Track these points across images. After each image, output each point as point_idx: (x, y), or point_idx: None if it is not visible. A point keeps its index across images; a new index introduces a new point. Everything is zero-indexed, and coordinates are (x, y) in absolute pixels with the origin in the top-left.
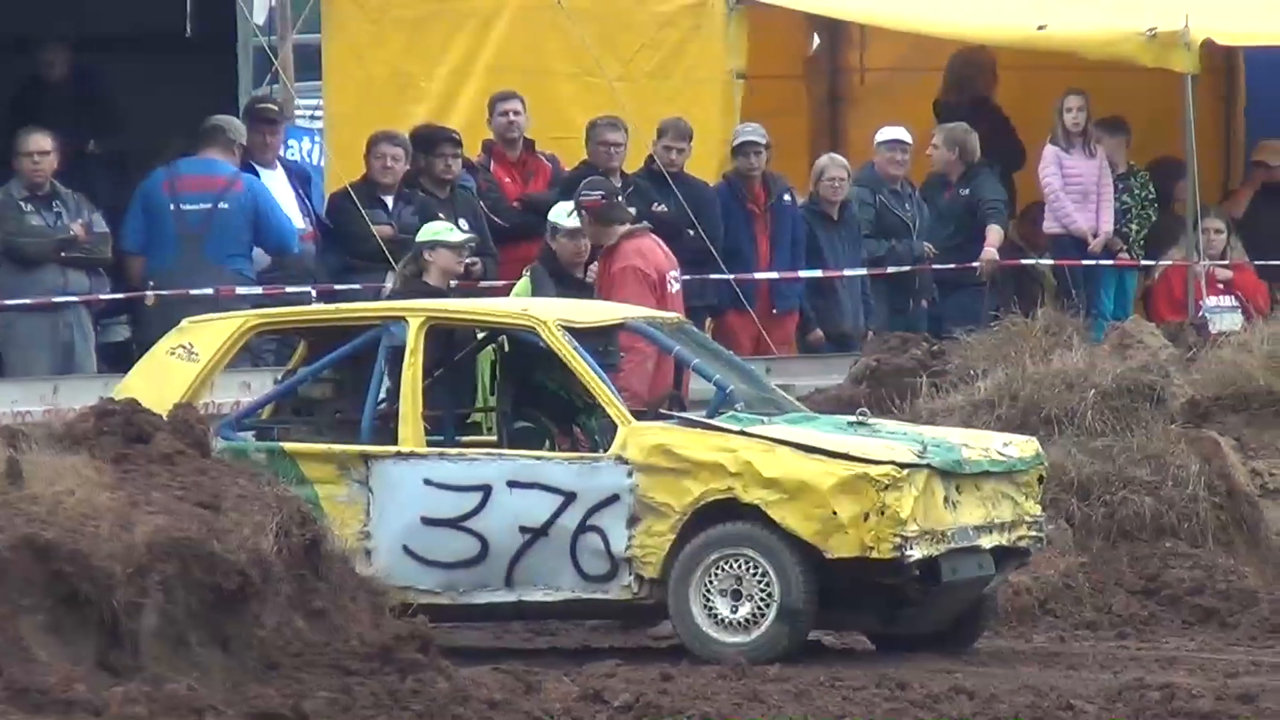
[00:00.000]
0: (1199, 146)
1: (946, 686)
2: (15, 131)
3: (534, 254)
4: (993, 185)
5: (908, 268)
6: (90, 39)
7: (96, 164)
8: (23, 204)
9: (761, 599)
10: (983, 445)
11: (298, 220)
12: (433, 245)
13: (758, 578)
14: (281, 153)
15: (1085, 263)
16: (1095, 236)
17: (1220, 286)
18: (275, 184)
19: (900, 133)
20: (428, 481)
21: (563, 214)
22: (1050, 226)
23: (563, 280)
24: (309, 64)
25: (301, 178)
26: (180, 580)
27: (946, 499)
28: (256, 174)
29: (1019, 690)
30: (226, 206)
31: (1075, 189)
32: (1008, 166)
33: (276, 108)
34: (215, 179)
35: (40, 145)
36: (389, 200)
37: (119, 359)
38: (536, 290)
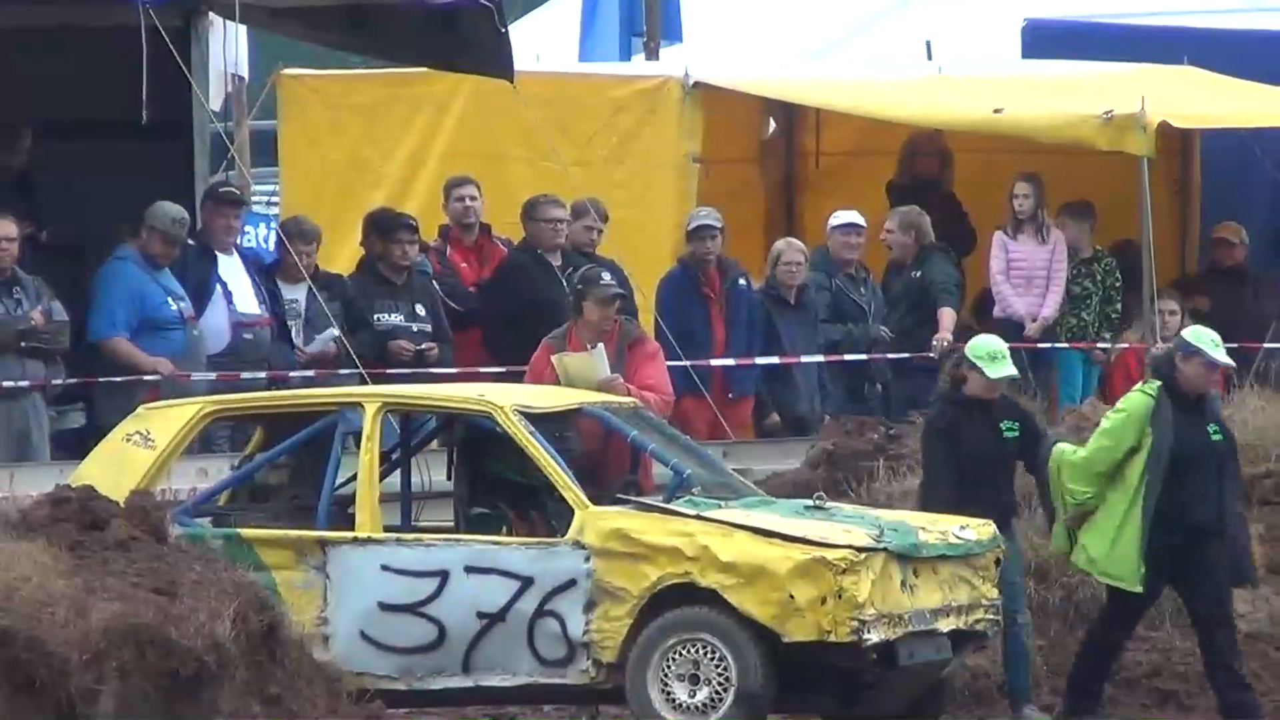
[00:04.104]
0: (1154, 230)
1: None
2: None
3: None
4: (944, 267)
5: (864, 356)
6: (47, 126)
7: (50, 251)
8: None
9: (719, 683)
10: (940, 529)
11: (253, 307)
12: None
13: (715, 662)
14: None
15: (1041, 345)
16: (1034, 321)
17: None
18: (231, 270)
19: (854, 216)
20: (385, 567)
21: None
22: (997, 311)
23: (1185, 406)
24: (265, 150)
25: (258, 265)
26: (136, 666)
27: (904, 582)
28: (215, 259)
29: None
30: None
31: (1019, 275)
32: (959, 251)
33: (239, 191)
34: None
35: (5, 231)
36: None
37: (74, 446)
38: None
